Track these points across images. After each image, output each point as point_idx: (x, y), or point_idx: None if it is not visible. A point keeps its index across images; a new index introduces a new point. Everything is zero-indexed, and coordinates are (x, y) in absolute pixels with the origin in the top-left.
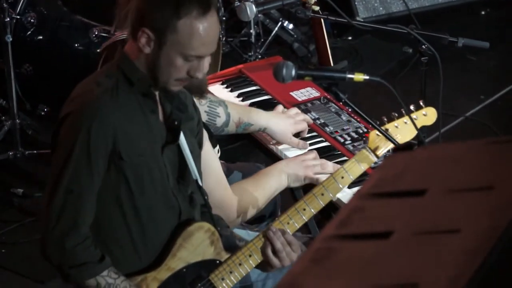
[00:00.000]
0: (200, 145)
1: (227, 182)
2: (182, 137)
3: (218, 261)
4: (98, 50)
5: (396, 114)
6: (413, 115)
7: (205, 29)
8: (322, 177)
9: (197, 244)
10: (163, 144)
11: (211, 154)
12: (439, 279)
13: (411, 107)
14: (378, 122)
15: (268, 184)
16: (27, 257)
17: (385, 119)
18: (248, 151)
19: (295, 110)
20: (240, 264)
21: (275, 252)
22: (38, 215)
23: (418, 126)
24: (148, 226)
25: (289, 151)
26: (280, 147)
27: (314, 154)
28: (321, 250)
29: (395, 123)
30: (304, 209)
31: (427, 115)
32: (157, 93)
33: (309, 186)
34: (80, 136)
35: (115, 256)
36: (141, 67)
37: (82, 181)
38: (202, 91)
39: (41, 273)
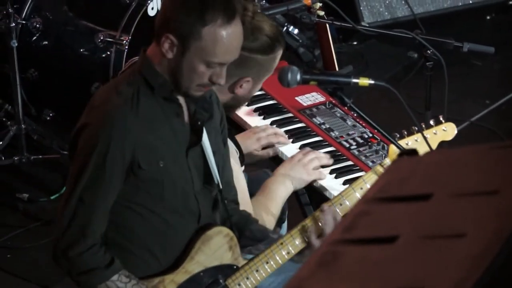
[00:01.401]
0: (224, 143)
1: (249, 198)
2: (205, 138)
3: (235, 267)
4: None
5: (416, 128)
6: (433, 130)
7: (229, 37)
8: (324, 171)
9: (216, 249)
10: (187, 147)
11: (238, 170)
12: (445, 283)
13: (431, 122)
14: (398, 135)
15: (277, 195)
16: (32, 262)
17: (405, 133)
18: None
19: (261, 127)
20: (257, 271)
21: (320, 236)
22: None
23: (437, 141)
24: (167, 230)
25: (286, 150)
26: (282, 148)
27: (306, 149)
28: (327, 254)
29: (415, 136)
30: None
31: (447, 131)
32: (179, 96)
33: (313, 192)
34: (97, 148)
35: (133, 257)
36: (163, 72)
37: (95, 192)
38: (233, 111)
39: (46, 278)
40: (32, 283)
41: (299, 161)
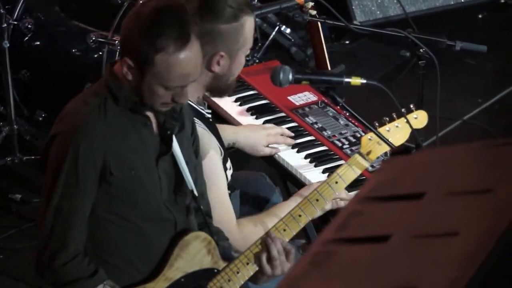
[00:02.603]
0: (196, 154)
1: (230, 205)
2: (177, 148)
3: (216, 270)
4: (95, 56)
5: (387, 118)
6: (404, 119)
7: (183, 62)
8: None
9: (194, 254)
10: (157, 156)
11: (218, 172)
12: (438, 282)
13: (403, 110)
14: (377, 124)
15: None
16: (25, 262)
17: (377, 124)
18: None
19: (270, 125)
20: (237, 272)
21: (269, 259)
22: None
23: (409, 131)
24: (143, 239)
25: (286, 156)
26: (282, 155)
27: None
28: (319, 254)
29: (387, 127)
30: (300, 215)
31: (418, 118)
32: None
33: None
34: (68, 157)
35: (113, 269)
36: (128, 87)
37: (71, 200)
38: (222, 93)
39: (39, 279)
40: (25, 283)
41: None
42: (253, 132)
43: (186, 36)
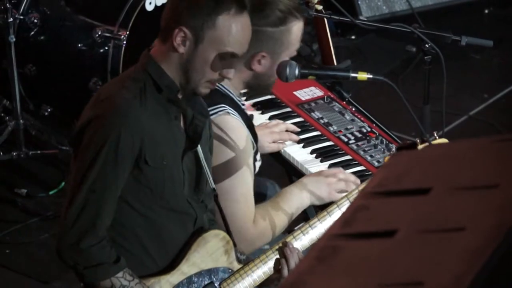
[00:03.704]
0: (211, 151)
1: (253, 202)
2: (199, 145)
3: (230, 270)
4: (101, 50)
5: (419, 140)
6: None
7: (242, 27)
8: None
9: (212, 251)
10: (183, 151)
11: (246, 167)
12: (444, 277)
13: (424, 139)
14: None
15: (289, 206)
16: (31, 257)
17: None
18: None
19: (274, 122)
20: (251, 275)
21: (288, 270)
22: (59, 215)
23: None
24: (163, 230)
25: (292, 151)
26: (288, 150)
27: (339, 169)
28: (326, 249)
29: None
30: (317, 227)
31: None
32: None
33: None
34: (109, 140)
35: (130, 256)
36: (169, 72)
37: (106, 183)
38: (261, 92)
39: (45, 273)
40: (31, 278)
41: (326, 177)
42: (256, 130)
43: (244, 2)
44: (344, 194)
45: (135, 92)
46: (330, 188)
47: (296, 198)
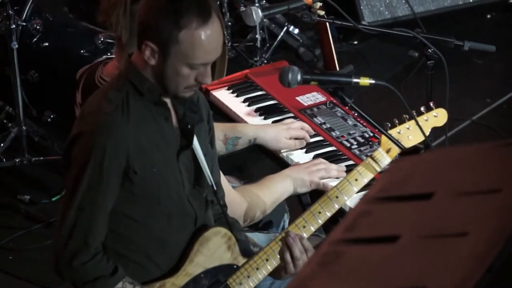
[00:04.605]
0: (212, 144)
1: (229, 184)
2: (195, 141)
3: (235, 266)
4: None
5: (407, 116)
6: (424, 117)
7: (207, 38)
8: (330, 182)
9: (214, 249)
10: (178, 150)
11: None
12: (447, 282)
13: (422, 109)
14: (389, 125)
15: (273, 186)
16: (34, 263)
17: (396, 121)
18: (254, 156)
19: (290, 120)
20: (257, 269)
21: (292, 258)
22: (53, 234)
23: (429, 128)
24: (165, 234)
25: (295, 156)
26: (291, 155)
27: (319, 160)
28: (328, 254)
29: (406, 125)
30: (320, 212)
31: (438, 116)
32: (167, 99)
33: (315, 193)
34: (92, 156)
35: (132, 265)
36: (149, 77)
37: (94, 200)
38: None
39: (48, 279)
40: (34, 284)
41: (306, 168)
42: (273, 126)
43: (208, 11)
44: (326, 180)
45: (117, 104)
46: (312, 174)
47: (280, 182)
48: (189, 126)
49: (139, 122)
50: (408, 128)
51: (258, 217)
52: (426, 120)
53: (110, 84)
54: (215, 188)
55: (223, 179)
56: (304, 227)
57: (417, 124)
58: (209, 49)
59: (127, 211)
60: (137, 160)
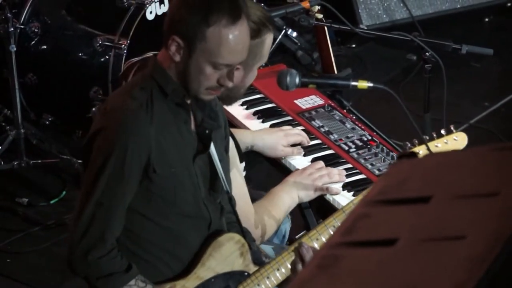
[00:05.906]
0: (227, 151)
1: (249, 197)
2: (212, 147)
3: (246, 273)
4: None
5: (427, 137)
6: (444, 139)
7: (234, 38)
8: (332, 186)
9: (227, 255)
10: (194, 154)
11: (237, 166)
12: (445, 286)
13: (442, 131)
14: (408, 144)
15: (282, 201)
16: (32, 266)
17: (416, 142)
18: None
19: (288, 127)
20: (268, 278)
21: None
22: (68, 228)
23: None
24: (178, 235)
25: (293, 160)
26: (289, 158)
27: (320, 164)
28: (327, 257)
29: (435, 143)
30: (334, 226)
31: (458, 140)
32: (189, 102)
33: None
34: (115, 152)
35: (144, 264)
36: (173, 76)
37: (113, 195)
38: (231, 102)
39: (46, 282)
40: (32, 287)
41: (309, 175)
42: (271, 134)
43: (238, 11)
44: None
45: (142, 102)
46: (315, 183)
47: (287, 195)
48: (207, 131)
49: (161, 122)
50: (436, 147)
51: (270, 232)
52: (446, 143)
53: (135, 82)
54: (230, 193)
55: (244, 188)
56: (317, 239)
57: (428, 149)
58: (234, 50)
59: (142, 209)
60: (157, 159)
